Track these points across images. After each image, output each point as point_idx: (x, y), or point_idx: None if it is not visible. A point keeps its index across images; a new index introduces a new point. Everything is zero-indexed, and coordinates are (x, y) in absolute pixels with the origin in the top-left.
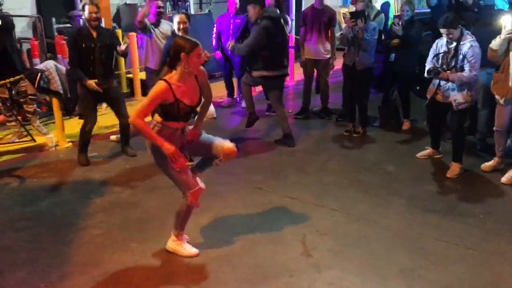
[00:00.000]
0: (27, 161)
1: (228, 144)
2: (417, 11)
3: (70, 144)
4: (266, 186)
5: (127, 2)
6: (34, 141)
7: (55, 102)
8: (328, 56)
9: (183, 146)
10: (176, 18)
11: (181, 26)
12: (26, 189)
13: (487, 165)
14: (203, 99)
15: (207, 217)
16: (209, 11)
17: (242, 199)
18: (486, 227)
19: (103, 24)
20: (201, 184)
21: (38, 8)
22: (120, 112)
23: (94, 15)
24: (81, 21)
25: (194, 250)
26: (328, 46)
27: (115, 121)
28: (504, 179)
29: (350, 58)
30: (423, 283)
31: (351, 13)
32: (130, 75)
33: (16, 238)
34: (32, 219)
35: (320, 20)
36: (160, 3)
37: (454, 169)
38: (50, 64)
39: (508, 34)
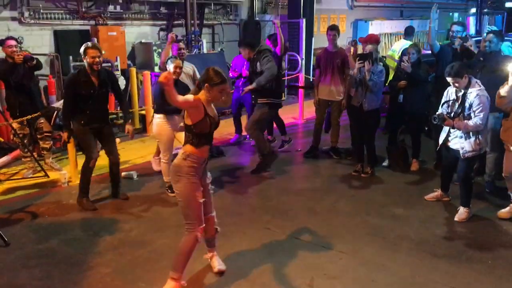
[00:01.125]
0: (40, 197)
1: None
2: (424, 52)
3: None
4: (274, 226)
5: (142, 41)
6: (48, 176)
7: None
8: (341, 97)
9: (203, 184)
10: (174, 63)
11: (177, 70)
12: (38, 225)
13: (504, 211)
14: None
15: None
16: (221, 49)
17: (249, 240)
18: (495, 273)
19: (117, 63)
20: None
21: (56, 46)
22: (112, 151)
23: (97, 59)
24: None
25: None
26: (341, 88)
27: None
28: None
29: (358, 100)
30: None
31: (358, 55)
32: (143, 112)
33: (28, 276)
34: (44, 257)
35: (333, 62)
36: (182, 45)
37: (462, 213)
38: None
39: None
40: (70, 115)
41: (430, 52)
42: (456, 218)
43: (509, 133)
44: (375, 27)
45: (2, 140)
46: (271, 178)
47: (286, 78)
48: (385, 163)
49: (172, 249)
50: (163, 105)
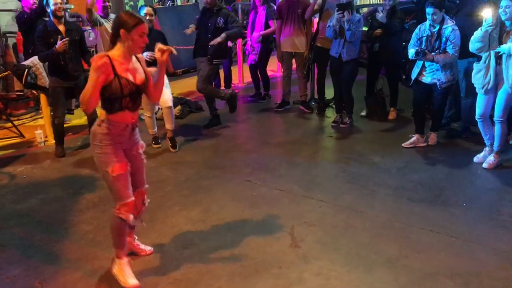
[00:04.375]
0: (17, 158)
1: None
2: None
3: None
4: (255, 179)
5: None
6: (23, 137)
7: (43, 98)
8: (304, 49)
9: (127, 154)
10: (144, 10)
11: (147, 18)
12: (16, 186)
13: (479, 156)
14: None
15: (196, 211)
16: (195, 1)
17: (231, 192)
18: (469, 216)
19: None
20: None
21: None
22: None
23: (59, 5)
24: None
25: (132, 282)
26: (304, 38)
27: None
28: (485, 164)
29: (336, 50)
30: (408, 272)
31: (338, 5)
32: None
33: (9, 236)
34: (24, 216)
35: (295, 12)
36: None
37: (433, 138)
38: (37, 59)
39: (488, 27)
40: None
41: None
42: (429, 142)
43: (479, 77)
44: None
45: None
46: (250, 132)
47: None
48: (363, 113)
49: (153, 203)
50: None
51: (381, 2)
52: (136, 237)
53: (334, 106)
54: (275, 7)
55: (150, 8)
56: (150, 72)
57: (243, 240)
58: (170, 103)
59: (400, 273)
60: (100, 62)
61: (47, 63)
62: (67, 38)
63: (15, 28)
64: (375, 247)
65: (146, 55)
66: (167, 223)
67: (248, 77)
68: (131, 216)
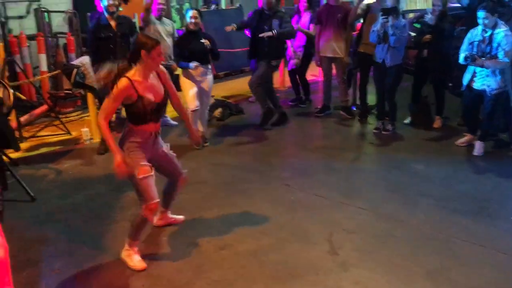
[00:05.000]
0: (63, 154)
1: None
2: (451, 5)
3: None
4: (293, 183)
5: None
6: (70, 134)
7: (89, 96)
8: (344, 54)
9: (154, 157)
10: (190, 13)
11: (193, 21)
12: (62, 181)
13: None
14: (174, 103)
15: (234, 213)
16: (239, 5)
17: (269, 196)
18: None
19: (135, 20)
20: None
21: (74, 3)
22: None
23: (112, 1)
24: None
25: (141, 264)
26: (343, 44)
27: None
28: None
29: (380, 55)
30: (451, 286)
31: (382, 9)
32: None
33: (54, 230)
34: (69, 211)
35: (335, 17)
36: (162, 0)
37: (480, 147)
38: (85, 59)
39: None
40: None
41: (458, 4)
42: (474, 153)
43: None
44: None
45: (25, 98)
46: (289, 136)
47: None
48: (407, 120)
49: (194, 203)
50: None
51: (426, 7)
52: (170, 211)
53: (376, 112)
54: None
55: (196, 11)
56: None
57: (280, 244)
58: (193, 107)
59: (442, 287)
60: (122, 87)
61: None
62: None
63: (66, 28)
64: (416, 258)
65: (194, 65)
66: (205, 224)
67: (289, 81)
68: (155, 218)
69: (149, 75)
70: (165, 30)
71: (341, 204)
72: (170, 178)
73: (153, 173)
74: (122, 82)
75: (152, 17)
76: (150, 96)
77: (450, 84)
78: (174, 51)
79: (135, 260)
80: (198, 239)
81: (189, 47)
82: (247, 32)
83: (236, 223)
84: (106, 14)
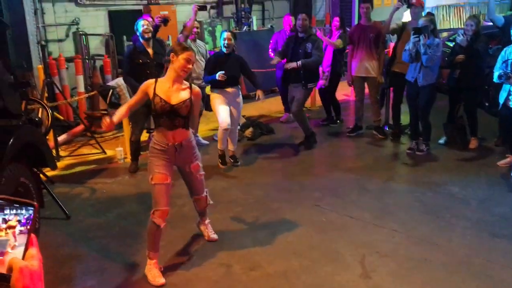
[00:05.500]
0: (98, 173)
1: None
2: (485, 23)
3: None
4: (325, 204)
5: None
6: (105, 153)
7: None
8: (376, 73)
9: (179, 168)
10: (224, 35)
11: (226, 43)
12: (96, 200)
13: None
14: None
15: (264, 233)
16: (271, 26)
17: (299, 217)
18: None
19: (169, 41)
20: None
21: (110, 26)
22: None
23: (146, 27)
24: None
25: (160, 280)
26: (376, 63)
27: None
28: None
29: (412, 74)
30: None
31: (414, 28)
32: None
33: (87, 248)
34: (101, 229)
35: (367, 37)
36: (197, 24)
37: None
38: (121, 81)
39: None
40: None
41: (491, 24)
42: None
43: None
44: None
45: (62, 118)
46: (321, 156)
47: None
48: (442, 141)
49: (224, 223)
50: (211, 82)
51: (461, 26)
52: (208, 220)
53: (409, 132)
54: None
55: (229, 33)
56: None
57: (311, 266)
58: (225, 126)
59: None
60: (146, 83)
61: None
62: None
63: (102, 51)
64: (452, 284)
65: (218, 74)
66: (235, 244)
67: (320, 101)
68: (163, 223)
69: (175, 80)
70: (199, 52)
71: (373, 226)
72: (191, 194)
73: (169, 181)
74: (149, 80)
75: (189, 41)
76: (163, 96)
77: (487, 104)
78: (205, 69)
79: (153, 274)
80: (227, 259)
81: (222, 68)
82: (270, 53)
83: (266, 243)
84: (141, 40)
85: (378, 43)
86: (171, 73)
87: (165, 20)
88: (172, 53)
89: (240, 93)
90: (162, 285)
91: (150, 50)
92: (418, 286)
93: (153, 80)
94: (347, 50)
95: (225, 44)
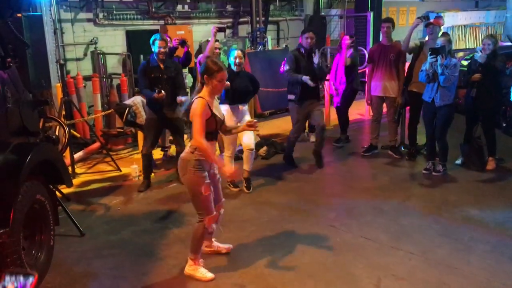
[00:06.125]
0: (113, 190)
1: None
2: (502, 44)
3: (153, 174)
4: (339, 224)
5: (209, 39)
6: (120, 170)
7: (140, 135)
8: (396, 93)
9: (209, 173)
10: (234, 53)
11: (237, 61)
12: (111, 217)
13: None
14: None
15: (278, 253)
16: (286, 46)
17: (314, 237)
18: None
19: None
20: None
21: (128, 45)
22: (178, 142)
23: (162, 49)
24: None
25: (209, 275)
26: (395, 83)
27: None
28: None
29: (430, 94)
30: None
31: (431, 49)
32: None
33: (101, 265)
34: (116, 247)
35: (387, 56)
36: (218, 44)
37: None
38: (137, 99)
39: None
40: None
41: (509, 43)
42: None
43: None
44: (448, 19)
45: (79, 135)
46: (335, 176)
47: None
48: (459, 161)
49: (237, 241)
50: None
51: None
52: (214, 239)
53: (425, 152)
54: (364, 51)
55: (240, 51)
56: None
57: None
58: (253, 146)
59: None
60: (202, 104)
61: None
62: (163, 94)
63: (119, 70)
64: None
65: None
66: (249, 264)
67: (334, 119)
68: (214, 226)
69: (214, 98)
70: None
71: (389, 248)
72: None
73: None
74: (200, 100)
75: None
76: (219, 114)
77: (504, 124)
78: None
79: (202, 271)
80: (241, 279)
81: (233, 84)
82: (282, 70)
83: (280, 264)
84: (155, 56)
85: (398, 63)
86: (209, 92)
87: (182, 42)
88: (205, 75)
89: (248, 111)
90: (212, 279)
91: (161, 65)
92: None
93: (203, 100)
94: (363, 69)
95: (236, 63)
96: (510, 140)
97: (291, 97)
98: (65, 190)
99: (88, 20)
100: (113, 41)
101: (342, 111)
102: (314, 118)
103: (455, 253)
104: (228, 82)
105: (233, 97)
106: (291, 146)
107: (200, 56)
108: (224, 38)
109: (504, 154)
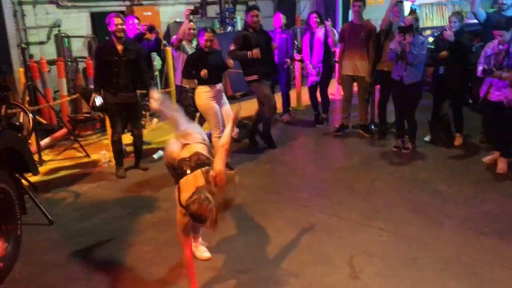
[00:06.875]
0: (82, 177)
1: None
2: (468, 21)
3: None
4: (313, 205)
5: (177, 20)
6: (89, 157)
7: (108, 120)
8: (366, 73)
9: None
10: (204, 36)
11: (208, 44)
12: (80, 204)
13: None
14: None
15: (252, 235)
16: None
17: (288, 218)
18: None
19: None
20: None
21: (93, 28)
22: (135, 125)
23: (119, 26)
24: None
25: (206, 255)
26: (366, 62)
27: (165, 137)
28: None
29: (398, 73)
30: None
31: (399, 27)
32: None
33: (72, 253)
34: (86, 235)
35: (358, 36)
36: (193, 25)
37: (502, 165)
38: None
39: None
40: (101, 82)
41: (475, 21)
42: (498, 171)
43: None
44: None
45: (45, 122)
46: (308, 156)
47: None
48: (427, 138)
49: None
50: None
51: (443, 24)
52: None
53: (395, 130)
54: (336, 30)
55: (211, 34)
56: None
57: (300, 268)
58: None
59: None
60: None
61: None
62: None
63: (85, 53)
64: (440, 283)
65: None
66: (223, 247)
67: (305, 100)
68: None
69: None
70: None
71: (361, 226)
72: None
73: None
74: (179, 212)
75: (184, 43)
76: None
77: (470, 101)
78: (184, 70)
79: (200, 250)
80: (215, 263)
81: (207, 64)
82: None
83: (255, 246)
84: (113, 37)
85: (369, 43)
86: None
87: (150, 28)
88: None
89: (223, 92)
90: (207, 259)
91: (119, 47)
92: (407, 286)
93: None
94: (335, 48)
95: (207, 45)
96: (476, 117)
97: (250, 78)
98: (32, 178)
99: (51, 2)
100: (77, 23)
101: (322, 91)
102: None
103: (425, 228)
104: (205, 70)
105: (211, 76)
106: (267, 124)
107: (173, 37)
108: (193, 18)
109: (471, 131)
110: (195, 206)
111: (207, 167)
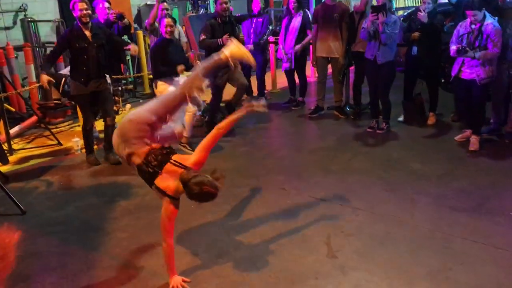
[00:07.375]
0: (54, 165)
1: None
2: (440, 1)
3: (96, 147)
4: (289, 187)
5: (148, 3)
6: (61, 144)
7: (78, 109)
8: (340, 54)
9: None
10: (164, 22)
11: (168, 29)
12: (53, 193)
13: None
14: None
15: (230, 219)
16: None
17: (265, 201)
18: None
19: None
20: None
21: (61, 12)
22: (107, 112)
23: (84, 11)
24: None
25: None
26: (340, 43)
27: None
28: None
29: (372, 52)
30: (451, 285)
31: (372, 7)
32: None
33: (45, 243)
34: (60, 224)
35: (331, 16)
36: (166, 5)
37: (475, 142)
38: None
39: None
40: (51, 62)
41: (445, 0)
42: (470, 148)
43: None
44: None
45: (14, 109)
46: (284, 138)
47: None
48: (401, 118)
49: (187, 212)
50: (159, 69)
51: (416, 4)
52: None
53: (370, 111)
54: (310, 13)
55: (170, 20)
56: None
57: (278, 250)
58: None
59: (443, 286)
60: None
61: (69, 68)
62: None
63: (53, 38)
64: (415, 258)
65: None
66: (200, 232)
67: (281, 83)
68: None
69: None
70: (175, 39)
71: (338, 206)
72: None
73: None
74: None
75: (157, 26)
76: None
77: (443, 80)
78: (152, 63)
79: None
80: (193, 248)
81: (172, 54)
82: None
83: (232, 229)
84: (78, 23)
85: (342, 24)
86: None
87: (120, 16)
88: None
89: None
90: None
91: (87, 33)
92: (383, 263)
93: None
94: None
95: (167, 31)
96: (449, 96)
97: None
98: (2, 168)
99: None
100: (44, 7)
101: (300, 75)
102: (234, 78)
103: (400, 206)
104: (182, 66)
105: (171, 69)
106: (214, 112)
107: (146, 21)
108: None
109: (443, 109)
110: (198, 187)
111: (175, 155)
